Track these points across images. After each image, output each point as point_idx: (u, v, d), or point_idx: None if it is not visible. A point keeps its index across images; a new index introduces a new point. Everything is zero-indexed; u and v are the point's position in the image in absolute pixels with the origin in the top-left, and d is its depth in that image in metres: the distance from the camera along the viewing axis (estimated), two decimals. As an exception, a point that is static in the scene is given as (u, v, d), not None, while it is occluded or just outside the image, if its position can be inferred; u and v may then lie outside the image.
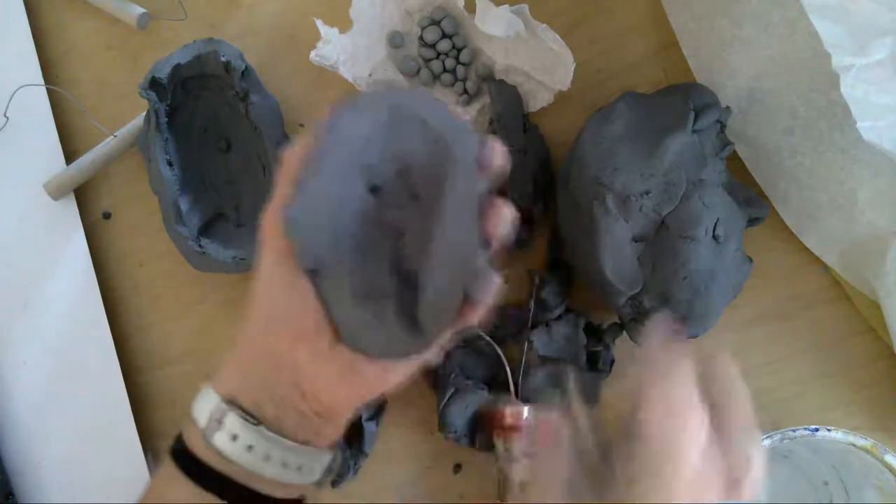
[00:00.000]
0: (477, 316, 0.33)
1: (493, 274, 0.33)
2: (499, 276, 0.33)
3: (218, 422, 0.33)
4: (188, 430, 0.35)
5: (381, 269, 0.34)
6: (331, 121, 0.33)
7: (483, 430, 0.51)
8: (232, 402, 0.33)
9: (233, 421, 0.33)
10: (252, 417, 0.33)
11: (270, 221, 0.34)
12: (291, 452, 0.34)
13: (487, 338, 0.50)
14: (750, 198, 0.48)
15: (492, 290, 0.33)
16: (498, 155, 0.34)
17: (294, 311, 0.33)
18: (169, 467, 0.34)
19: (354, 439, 0.51)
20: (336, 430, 0.36)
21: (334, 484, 0.51)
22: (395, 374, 0.35)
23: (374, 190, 0.34)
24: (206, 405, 0.34)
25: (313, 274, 0.33)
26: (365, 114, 0.33)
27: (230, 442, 0.33)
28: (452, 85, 0.53)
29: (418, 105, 0.33)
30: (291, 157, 0.34)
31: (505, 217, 0.33)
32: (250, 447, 0.33)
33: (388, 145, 0.34)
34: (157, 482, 0.36)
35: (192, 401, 0.35)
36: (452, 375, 0.50)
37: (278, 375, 0.33)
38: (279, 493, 0.34)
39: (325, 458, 0.36)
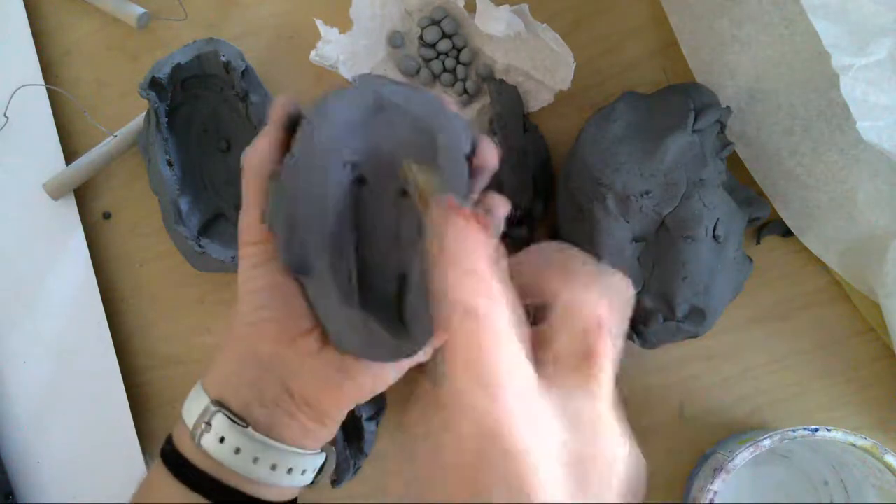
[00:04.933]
0: None
1: None
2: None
3: (206, 423, 0.33)
4: (178, 431, 0.34)
5: (369, 269, 0.33)
6: (311, 111, 0.32)
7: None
8: (220, 404, 0.33)
9: (220, 422, 0.33)
10: (240, 419, 0.33)
11: (246, 224, 0.33)
12: (280, 454, 0.33)
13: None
14: (750, 198, 0.48)
15: None
16: (488, 152, 0.33)
17: (280, 313, 0.33)
18: (159, 468, 0.34)
19: (354, 439, 0.51)
20: (327, 432, 0.35)
21: (334, 484, 0.51)
22: (385, 376, 0.35)
23: (360, 181, 0.33)
24: (195, 405, 0.34)
25: (299, 274, 0.32)
26: (345, 104, 0.32)
27: (217, 444, 0.32)
28: (452, 85, 0.53)
29: (404, 96, 0.32)
30: (251, 158, 0.33)
31: (498, 212, 0.33)
32: (238, 449, 0.32)
33: (372, 138, 0.33)
34: (148, 483, 0.35)
35: (184, 400, 0.35)
36: (452, 375, 0.50)
37: (266, 375, 0.33)
38: (270, 496, 0.34)
39: (317, 460, 0.36)
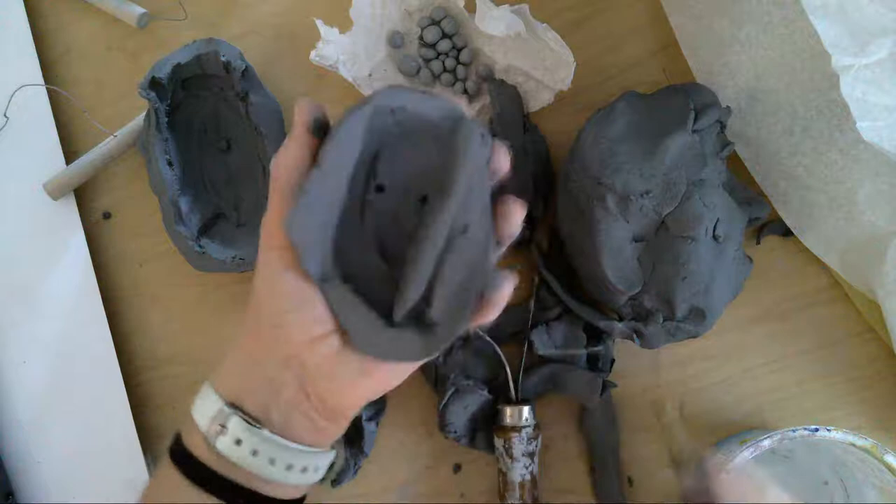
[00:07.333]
0: (490, 315, 0.33)
1: (506, 273, 0.33)
2: (512, 276, 0.33)
3: (221, 426, 0.33)
4: (188, 432, 0.34)
5: (392, 273, 0.34)
6: (334, 127, 0.32)
7: (483, 430, 0.51)
8: (235, 406, 0.33)
9: (236, 425, 0.33)
10: (256, 421, 0.33)
11: (271, 228, 0.34)
12: (296, 455, 0.34)
13: (487, 338, 0.50)
14: (750, 198, 0.48)
15: (505, 288, 0.33)
16: (500, 155, 0.34)
17: (301, 318, 0.33)
18: (168, 468, 0.34)
19: (354, 439, 0.51)
20: (339, 430, 0.36)
21: (334, 484, 0.51)
22: (400, 371, 0.35)
23: (379, 189, 0.34)
24: (207, 407, 0.34)
25: (320, 280, 0.33)
26: (367, 117, 0.32)
27: (234, 446, 0.33)
28: (452, 85, 0.53)
29: (421, 103, 0.33)
30: (282, 164, 0.33)
31: (516, 215, 0.33)
32: (255, 451, 0.33)
33: (393, 149, 0.33)
34: (156, 483, 0.36)
35: (191, 400, 0.35)
36: (452, 375, 0.50)
37: (285, 376, 0.33)
38: (282, 494, 0.34)
39: (328, 457, 0.37)
